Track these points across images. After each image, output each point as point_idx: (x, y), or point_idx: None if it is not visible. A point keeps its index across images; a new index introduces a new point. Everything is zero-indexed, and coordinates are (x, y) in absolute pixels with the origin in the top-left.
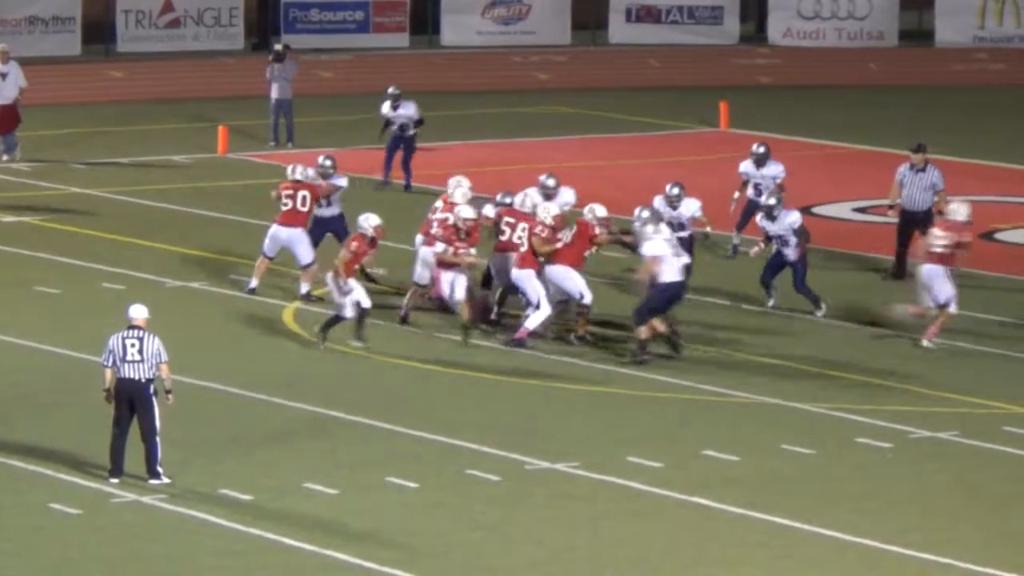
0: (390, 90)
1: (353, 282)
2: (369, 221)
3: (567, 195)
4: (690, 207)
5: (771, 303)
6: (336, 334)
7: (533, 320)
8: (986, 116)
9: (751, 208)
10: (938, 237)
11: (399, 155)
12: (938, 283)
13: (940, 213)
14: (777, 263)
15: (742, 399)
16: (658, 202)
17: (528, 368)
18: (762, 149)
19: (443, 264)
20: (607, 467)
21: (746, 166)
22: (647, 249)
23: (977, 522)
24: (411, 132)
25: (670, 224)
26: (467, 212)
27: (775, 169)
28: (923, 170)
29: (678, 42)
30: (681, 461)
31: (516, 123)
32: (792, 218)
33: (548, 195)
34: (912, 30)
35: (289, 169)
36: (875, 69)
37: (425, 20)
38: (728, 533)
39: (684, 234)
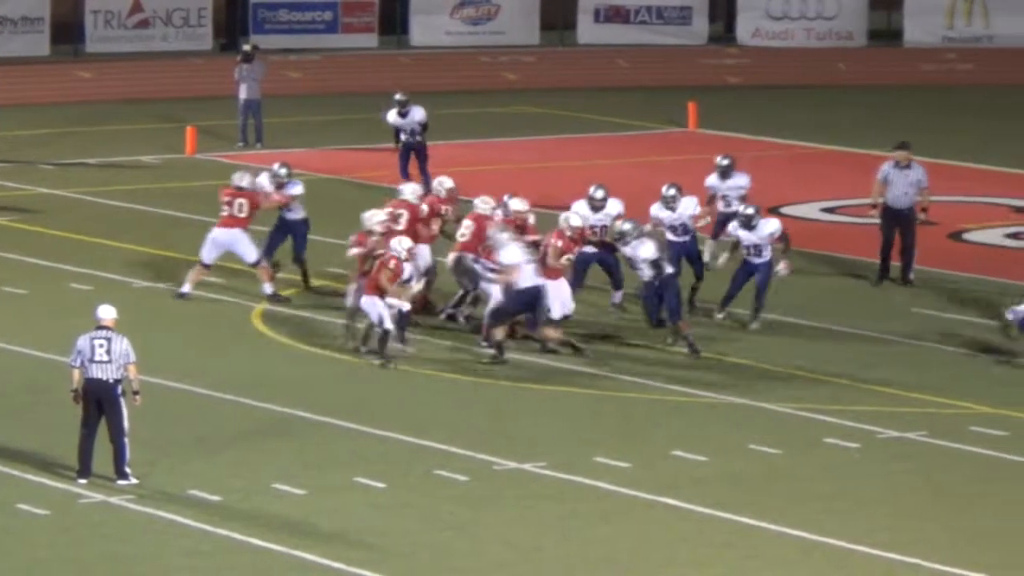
0: (397, 96)
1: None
2: (402, 244)
3: (614, 206)
4: (688, 206)
5: (721, 316)
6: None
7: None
8: (955, 116)
9: (723, 219)
10: None
11: (414, 163)
12: None
13: (924, 211)
14: (747, 273)
15: (710, 399)
16: (656, 208)
17: (497, 369)
18: (726, 161)
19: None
20: (575, 467)
21: (712, 180)
22: (503, 257)
23: (944, 522)
24: (419, 138)
25: (672, 228)
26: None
27: (741, 180)
28: (908, 167)
29: (647, 42)
30: (649, 461)
31: (485, 123)
32: (772, 227)
33: (596, 207)
34: (881, 30)
35: (235, 176)
36: (844, 69)
37: (394, 20)
38: (696, 533)
39: (687, 238)
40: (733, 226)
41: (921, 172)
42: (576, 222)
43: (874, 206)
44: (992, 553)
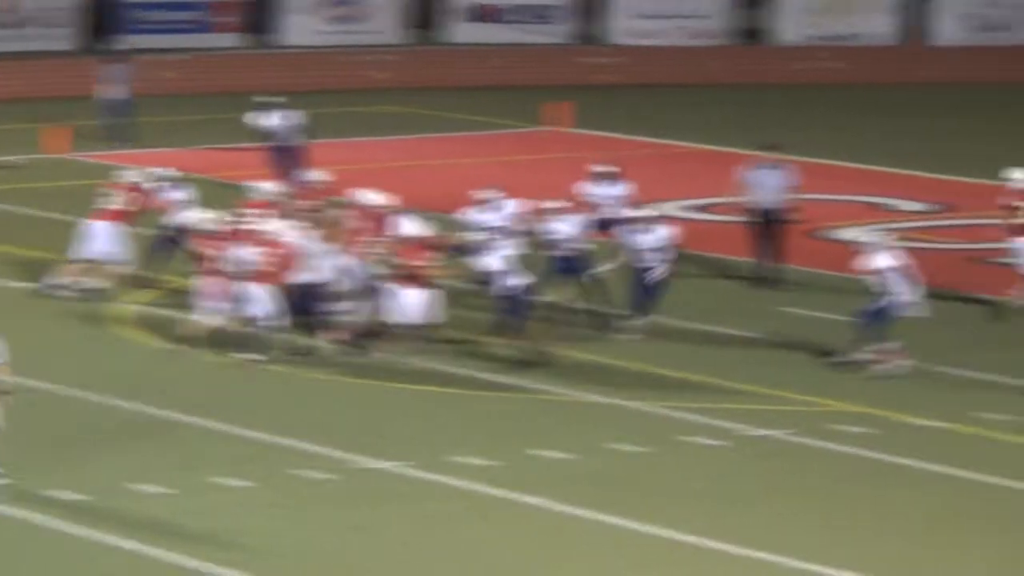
0: (264, 98)
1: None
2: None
3: (509, 208)
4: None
5: (643, 321)
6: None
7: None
8: (825, 114)
9: (602, 224)
10: None
11: (285, 162)
12: None
13: (793, 211)
14: (639, 278)
15: (572, 398)
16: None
17: (361, 368)
18: (602, 169)
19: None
20: (438, 466)
21: (588, 187)
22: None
23: (811, 519)
24: (294, 141)
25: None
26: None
27: (619, 188)
28: (777, 168)
29: (520, 41)
30: (512, 460)
31: (354, 123)
32: (664, 232)
33: (486, 210)
34: (752, 28)
35: (125, 173)
36: (716, 67)
37: (263, 19)
38: (559, 531)
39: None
40: (628, 231)
41: (789, 173)
42: (413, 230)
43: (742, 206)
44: (858, 550)
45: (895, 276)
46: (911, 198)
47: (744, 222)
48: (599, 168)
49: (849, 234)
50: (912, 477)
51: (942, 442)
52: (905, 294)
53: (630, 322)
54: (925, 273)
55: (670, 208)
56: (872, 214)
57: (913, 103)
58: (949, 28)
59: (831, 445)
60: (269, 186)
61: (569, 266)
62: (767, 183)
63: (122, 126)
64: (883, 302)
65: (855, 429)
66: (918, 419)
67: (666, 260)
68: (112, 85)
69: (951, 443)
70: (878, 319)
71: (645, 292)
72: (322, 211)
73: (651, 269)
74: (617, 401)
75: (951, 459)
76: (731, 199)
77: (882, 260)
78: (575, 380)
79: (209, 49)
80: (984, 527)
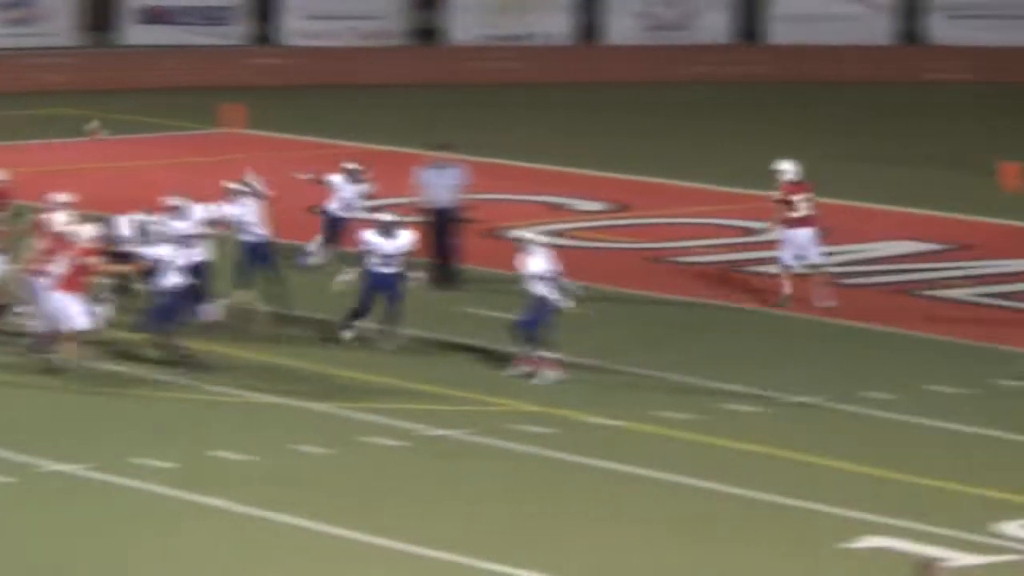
0: None
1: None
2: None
3: (197, 212)
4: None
5: (350, 335)
6: None
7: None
8: (502, 114)
9: (334, 222)
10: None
11: None
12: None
13: (467, 211)
14: (379, 285)
15: (251, 399)
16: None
17: (39, 372)
18: (352, 166)
19: None
20: (118, 468)
21: (337, 180)
22: None
23: (490, 519)
24: None
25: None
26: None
27: (364, 188)
28: (449, 168)
29: (192, 43)
30: (192, 461)
31: (25, 125)
32: (408, 238)
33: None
34: (427, 29)
35: None
36: (390, 68)
37: None
38: (242, 533)
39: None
40: (373, 234)
41: (461, 172)
42: (82, 233)
43: (416, 207)
44: (540, 549)
45: (544, 279)
46: (589, 197)
47: (419, 222)
48: (349, 165)
49: (518, 233)
50: (591, 476)
51: (621, 441)
52: (554, 297)
53: (348, 328)
54: (603, 273)
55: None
56: (551, 214)
57: (589, 102)
58: (624, 27)
59: (511, 445)
60: None
61: (256, 255)
62: (439, 183)
63: None
64: (536, 306)
65: (534, 429)
66: (597, 418)
67: (406, 267)
68: None
69: (630, 442)
70: (530, 324)
71: (369, 298)
72: None
73: (388, 275)
74: (296, 402)
75: (631, 458)
76: (407, 200)
77: (534, 263)
78: (254, 381)
79: None
80: (664, 525)
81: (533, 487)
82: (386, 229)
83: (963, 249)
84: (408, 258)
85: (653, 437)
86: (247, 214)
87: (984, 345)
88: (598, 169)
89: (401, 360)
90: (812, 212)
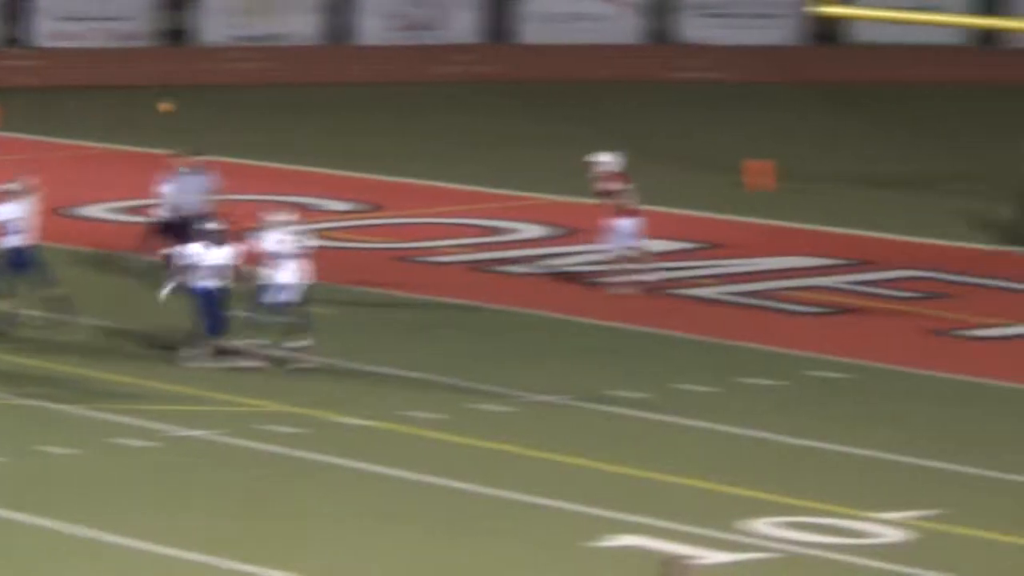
0: None
1: None
2: None
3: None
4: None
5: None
6: None
7: None
8: (252, 115)
9: (162, 228)
10: None
11: None
12: None
13: (215, 215)
14: (205, 294)
15: (4, 401)
16: None
17: None
18: (188, 162)
19: None
20: None
21: (171, 185)
22: None
23: (241, 519)
24: None
25: None
26: None
27: (201, 183)
28: (197, 171)
29: None
30: None
31: None
32: (232, 249)
33: None
34: (176, 29)
35: None
36: (141, 69)
37: None
38: None
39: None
40: (195, 246)
41: (211, 177)
42: None
43: (160, 209)
44: (288, 550)
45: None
46: (339, 197)
47: (164, 225)
48: (184, 162)
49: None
50: (340, 476)
51: (372, 441)
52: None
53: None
54: (350, 273)
55: (97, 211)
56: (301, 214)
57: (340, 103)
58: (373, 27)
59: (259, 445)
60: None
61: (19, 260)
62: (187, 186)
63: None
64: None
65: (283, 429)
66: (347, 418)
67: (228, 278)
68: None
69: (379, 442)
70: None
71: (211, 313)
72: None
73: (213, 289)
74: (41, 403)
75: (380, 458)
76: (156, 201)
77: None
78: (5, 384)
79: None
80: (414, 524)
81: (280, 486)
82: (214, 239)
83: (713, 248)
84: (231, 270)
85: (402, 436)
86: (10, 216)
87: (732, 343)
88: (349, 169)
89: (159, 364)
90: (634, 202)
